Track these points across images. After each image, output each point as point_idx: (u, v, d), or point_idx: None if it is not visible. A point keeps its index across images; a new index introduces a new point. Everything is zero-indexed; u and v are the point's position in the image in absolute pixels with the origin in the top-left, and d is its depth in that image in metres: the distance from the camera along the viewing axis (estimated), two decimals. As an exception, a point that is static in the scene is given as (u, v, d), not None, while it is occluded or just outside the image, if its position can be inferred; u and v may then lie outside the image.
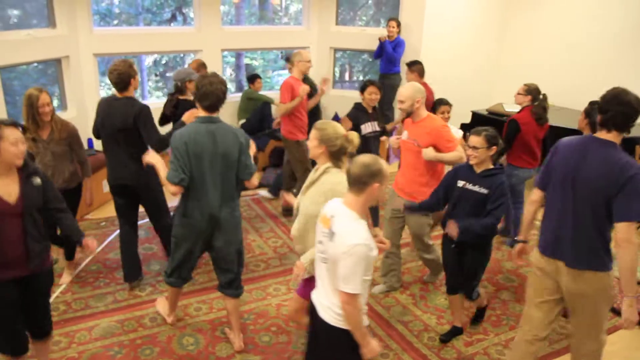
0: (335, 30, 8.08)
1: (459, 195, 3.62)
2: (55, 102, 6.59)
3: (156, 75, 11.91)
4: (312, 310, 2.70)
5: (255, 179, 3.53)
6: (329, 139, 2.95)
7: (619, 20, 6.67)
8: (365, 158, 2.45)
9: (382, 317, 4.19)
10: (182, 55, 9.96)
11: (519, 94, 5.08)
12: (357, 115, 4.85)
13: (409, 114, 4.00)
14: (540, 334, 3.10)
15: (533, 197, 3.19)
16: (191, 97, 4.71)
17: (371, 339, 2.52)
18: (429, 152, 3.90)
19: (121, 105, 3.98)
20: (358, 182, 2.42)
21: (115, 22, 9.55)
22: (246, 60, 11.61)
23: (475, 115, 6.92)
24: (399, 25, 7.19)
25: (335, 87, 8.53)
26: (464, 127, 6.35)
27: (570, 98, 6.90)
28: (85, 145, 6.34)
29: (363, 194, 2.43)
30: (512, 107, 6.75)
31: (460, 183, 3.60)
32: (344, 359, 2.59)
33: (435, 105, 4.93)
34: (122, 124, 3.95)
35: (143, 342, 3.79)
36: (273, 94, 7.91)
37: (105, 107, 4.05)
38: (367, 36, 7.65)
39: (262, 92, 7.55)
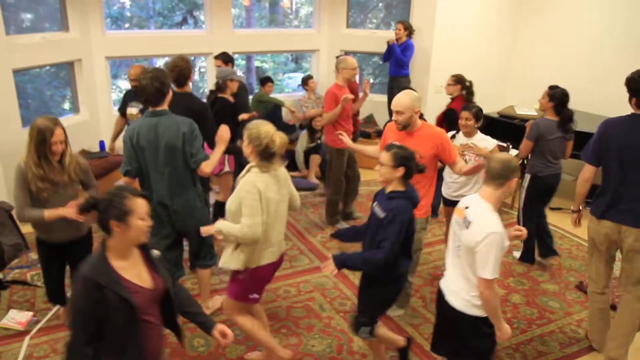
0: (345, 33, 8.09)
1: (369, 217, 3.19)
2: (68, 105, 6.66)
3: (167, 78, 11.95)
4: (439, 297, 2.94)
5: (207, 167, 3.58)
6: (255, 138, 3.06)
7: (630, 23, 6.62)
8: (503, 156, 2.78)
9: (392, 319, 4.18)
10: (192, 58, 10.02)
11: (449, 85, 5.58)
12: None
13: (404, 126, 3.54)
14: (607, 284, 3.76)
15: (587, 175, 3.62)
16: (230, 96, 5.01)
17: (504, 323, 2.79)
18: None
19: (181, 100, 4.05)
20: (500, 177, 2.68)
21: (127, 25, 9.61)
22: (256, 63, 11.64)
23: (486, 118, 6.89)
24: (406, 28, 7.14)
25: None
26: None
27: (582, 101, 6.87)
28: (97, 147, 6.42)
29: (502, 188, 2.70)
30: (523, 110, 6.73)
31: (374, 203, 3.16)
32: (471, 343, 2.82)
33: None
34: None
35: (154, 343, 3.81)
36: (283, 97, 7.95)
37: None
38: (377, 39, 7.65)
39: (272, 95, 7.57)
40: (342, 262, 2.98)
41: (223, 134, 3.69)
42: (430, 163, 3.57)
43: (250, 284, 3.25)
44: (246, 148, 3.12)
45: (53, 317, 4.08)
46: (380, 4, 8.86)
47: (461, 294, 2.76)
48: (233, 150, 4.54)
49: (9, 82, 5.27)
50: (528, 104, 6.94)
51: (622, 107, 6.57)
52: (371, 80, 10.26)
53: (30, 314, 4.05)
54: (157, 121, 3.47)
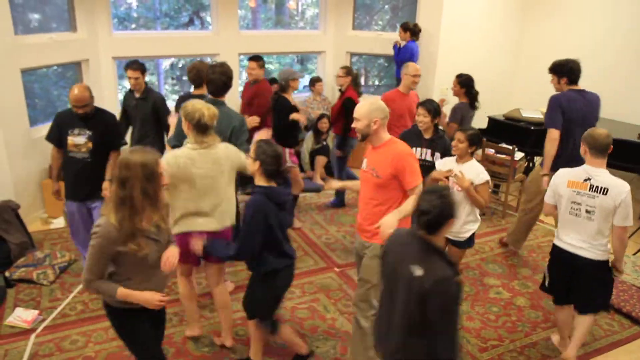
0: (351, 35, 8.10)
1: None
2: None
3: (173, 78, 11.99)
4: (564, 257, 3.54)
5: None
6: (188, 113, 3.30)
7: (634, 27, 6.60)
8: (602, 130, 3.35)
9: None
10: (198, 59, 10.04)
11: (339, 76, 5.87)
12: (406, 137, 4.05)
13: (364, 136, 3.24)
14: None
15: (554, 136, 4.48)
16: (291, 96, 5.45)
17: None
18: (389, 219, 2.98)
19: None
20: (607, 149, 3.33)
21: (134, 26, 9.64)
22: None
23: (492, 121, 6.90)
24: (406, 30, 7.08)
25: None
26: (481, 132, 6.33)
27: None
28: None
29: (607, 156, 3.34)
30: (529, 113, 6.72)
31: None
32: (607, 282, 3.53)
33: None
34: None
35: (159, 343, 3.82)
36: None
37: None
38: (383, 41, 7.65)
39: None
40: (210, 246, 3.18)
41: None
42: (389, 183, 3.17)
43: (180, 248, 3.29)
44: (184, 125, 3.35)
45: (58, 316, 4.10)
46: (386, 6, 8.86)
47: (595, 246, 3.42)
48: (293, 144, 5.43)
49: (17, 81, 5.30)
50: (534, 107, 6.93)
51: (627, 109, 6.59)
52: (376, 82, 10.26)
53: (36, 312, 4.07)
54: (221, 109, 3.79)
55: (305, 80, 8.46)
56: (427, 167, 4.13)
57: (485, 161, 6.12)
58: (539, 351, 3.93)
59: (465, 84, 5.44)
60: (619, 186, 3.27)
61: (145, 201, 2.45)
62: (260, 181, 3.09)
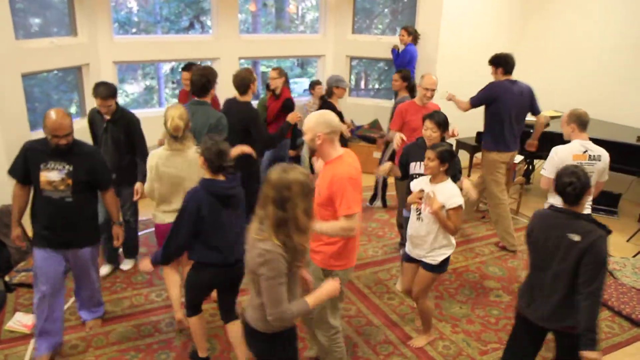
0: (351, 39, 8.11)
1: None
2: (74, 109, 6.70)
3: (173, 82, 12.02)
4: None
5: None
6: (164, 121, 3.62)
7: (633, 27, 6.62)
8: (582, 110, 4.16)
9: (397, 324, 4.18)
10: (199, 62, 10.07)
11: (273, 78, 5.98)
12: (409, 150, 4.09)
13: (312, 150, 3.09)
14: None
15: (466, 107, 5.32)
16: (336, 102, 5.52)
17: None
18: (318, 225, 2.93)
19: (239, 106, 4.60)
20: (588, 124, 4.15)
21: (134, 30, 9.67)
22: (262, 68, 11.68)
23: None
24: (409, 34, 7.13)
25: (351, 95, 8.55)
26: (479, 135, 6.33)
27: (588, 107, 6.87)
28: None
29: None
30: (528, 117, 6.72)
31: None
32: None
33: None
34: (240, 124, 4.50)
35: (159, 347, 3.83)
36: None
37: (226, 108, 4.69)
38: (383, 45, 7.67)
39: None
40: (154, 258, 3.29)
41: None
42: (328, 204, 2.98)
43: (158, 238, 3.71)
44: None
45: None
46: (386, 10, 8.88)
47: (589, 206, 4.00)
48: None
49: (18, 86, 5.31)
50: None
51: (626, 109, 6.59)
52: (376, 86, 10.28)
53: (37, 316, 4.07)
54: (195, 109, 4.19)
55: (305, 84, 8.48)
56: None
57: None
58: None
59: (406, 78, 5.72)
60: (604, 151, 4.08)
61: (307, 219, 2.36)
62: (206, 175, 3.22)
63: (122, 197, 4.53)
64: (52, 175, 3.35)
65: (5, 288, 4.42)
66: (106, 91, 4.21)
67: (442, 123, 3.91)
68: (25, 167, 3.41)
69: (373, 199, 6.50)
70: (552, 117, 6.71)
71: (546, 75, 7.59)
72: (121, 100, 7.39)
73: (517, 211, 6.38)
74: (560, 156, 4.03)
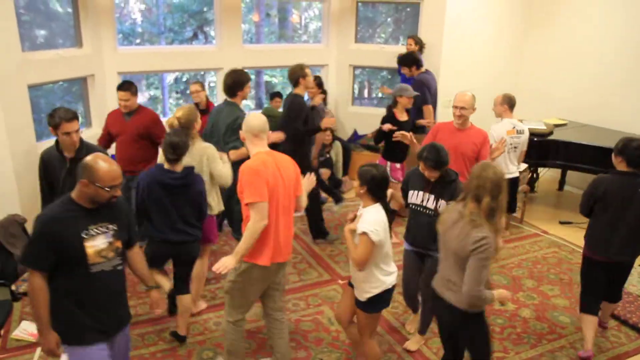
0: (354, 48, 8.15)
1: None
2: (80, 120, 6.73)
3: (177, 92, 12.09)
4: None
5: (233, 154, 4.45)
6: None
7: (637, 32, 6.63)
8: (510, 94, 5.53)
9: (399, 332, 4.17)
10: (202, 73, 10.12)
11: (198, 91, 5.97)
12: (410, 177, 3.76)
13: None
14: None
15: (431, 110, 6.15)
16: (401, 111, 5.49)
17: None
18: (228, 261, 3.08)
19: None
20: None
21: (138, 41, 9.74)
22: (266, 78, 11.73)
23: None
24: (417, 43, 7.18)
25: (354, 104, 8.58)
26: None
27: (590, 113, 6.88)
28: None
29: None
30: (532, 124, 6.73)
31: None
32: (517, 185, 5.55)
33: None
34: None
35: (163, 356, 3.83)
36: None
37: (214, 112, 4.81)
38: (386, 54, 7.70)
39: (280, 110, 7.62)
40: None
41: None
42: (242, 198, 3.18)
43: None
44: None
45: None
46: (389, 19, 8.94)
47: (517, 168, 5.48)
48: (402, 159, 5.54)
49: (24, 97, 5.35)
50: (537, 118, 6.95)
51: (628, 115, 6.59)
52: (379, 95, 10.30)
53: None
54: (222, 108, 4.65)
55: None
56: (426, 216, 3.58)
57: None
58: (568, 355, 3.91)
59: (320, 84, 6.13)
60: (526, 127, 5.48)
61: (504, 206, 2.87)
62: (165, 164, 3.66)
63: None
64: (99, 242, 2.61)
65: (12, 297, 4.44)
66: (70, 114, 3.68)
67: (437, 165, 3.47)
68: (52, 250, 2.52)
69: None
70: (556, 125, 6.72)
71: (548, 81, 7.61)
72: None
73: (522, 220, 6.37)
74: (497, 132, 5.24)
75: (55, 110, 3.66)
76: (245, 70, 4.79)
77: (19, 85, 5.28)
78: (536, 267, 5.31)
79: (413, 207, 3.68)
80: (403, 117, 5.45)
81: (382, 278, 3.20)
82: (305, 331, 4.17)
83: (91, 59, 6.27)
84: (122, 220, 2.74)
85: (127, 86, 4.89)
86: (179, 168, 3.64)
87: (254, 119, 3.31)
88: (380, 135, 5.49)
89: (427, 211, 3.59)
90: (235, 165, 3.94)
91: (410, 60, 6.26)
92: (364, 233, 3.02)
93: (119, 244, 2.70)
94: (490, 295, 2.84)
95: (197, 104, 5.85)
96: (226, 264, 3.04)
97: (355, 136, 7.93)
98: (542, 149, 6.18)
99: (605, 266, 3.80)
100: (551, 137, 6.28)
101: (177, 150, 3.57)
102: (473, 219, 2.77)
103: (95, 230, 2.59)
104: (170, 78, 11.48)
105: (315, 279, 4.99)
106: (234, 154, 4.40)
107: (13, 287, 4.53)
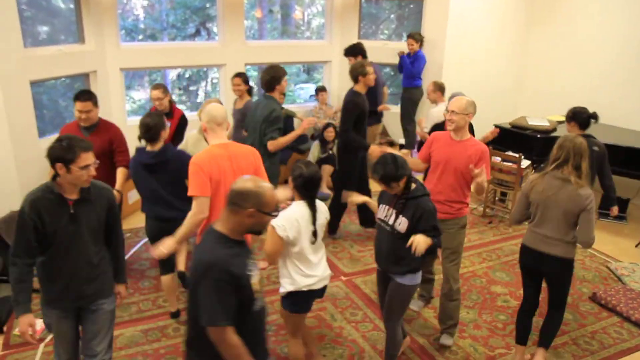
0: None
1: None
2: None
3: (179, 89, 12.07)
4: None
5: (271, 145, 4.57)
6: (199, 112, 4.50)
7: (637, 33, 6.62)
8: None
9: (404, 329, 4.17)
10: (205, 69, 10.11)
11: (161, 98, 5.17)
12: (383, 193, 3.41)
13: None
14: None
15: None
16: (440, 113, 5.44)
17: None
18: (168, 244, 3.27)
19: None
20: None
21: (141, 37, 9.73)
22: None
23: (499, 129, 6.89)
24: (417, 41, 7.17)
25: (357, 101, 8.57)
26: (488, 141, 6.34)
27: (592, 111, 6.86)
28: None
29: None
30: (535, 121, 6.72)
31: None
32: None
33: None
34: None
35: (167, 352, 3.84)
36: (295, 108, 8.00)
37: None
38: (389, 50, 7.69)
39: (284, 106, 7.61)
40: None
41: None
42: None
43: None
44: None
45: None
46: (392, 16, 8.91)
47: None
48: None
49: (27, 93, 5.36)
50: (540, 115, 6.93)
51: (631, 112, 6.57)
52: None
53: (45, 322, 4.07)
54: (259, 102, 4.77)
55: (311, 90, 8.50)
56: (385, 233, 3.28)
57: (493, 169, 6.11)
58: (547, 359, 3.91)
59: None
60: None
61: None
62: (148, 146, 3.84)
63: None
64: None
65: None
66: (91, 95, 4.17)
67: (383, 179, 3.14)
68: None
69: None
70: (559, 122, 6.70)
71: (550, 78, 7.59)
72: (128, 106, 7.42)
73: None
74: (434, 115, 5.65)
75: (67, 141, 2.61)
76: (281, 65, 4.80)
77: (21, 82, 5.28)
78: (539, 264, 5.30)
79: (378, 221, 3.39)
80: None
81: (296, 277, 3.17)
82: (308, 327, 4.16)
83: (93, 55, 6.27)
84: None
85: (87, 96, 4.12)
86: (156, 147, 3.80)
87: (216, 109, 3.38)
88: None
89: (388, 227, 3.26)
90: (274, 156, 4.62)
91: (358, 51, 6.38)
92: (271, 226, 3.03)
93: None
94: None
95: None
96: (166, 244, 3.23)
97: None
98: (544, 146, 6.15)
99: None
100: (555, 134, 6.25)
101: (150, 130, 3.75)
102: (577, 181, 3.32)
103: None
104: (173, 74, 11.47)
105: (318, 275, 4.98)
106: (272, 145, 4.54)
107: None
